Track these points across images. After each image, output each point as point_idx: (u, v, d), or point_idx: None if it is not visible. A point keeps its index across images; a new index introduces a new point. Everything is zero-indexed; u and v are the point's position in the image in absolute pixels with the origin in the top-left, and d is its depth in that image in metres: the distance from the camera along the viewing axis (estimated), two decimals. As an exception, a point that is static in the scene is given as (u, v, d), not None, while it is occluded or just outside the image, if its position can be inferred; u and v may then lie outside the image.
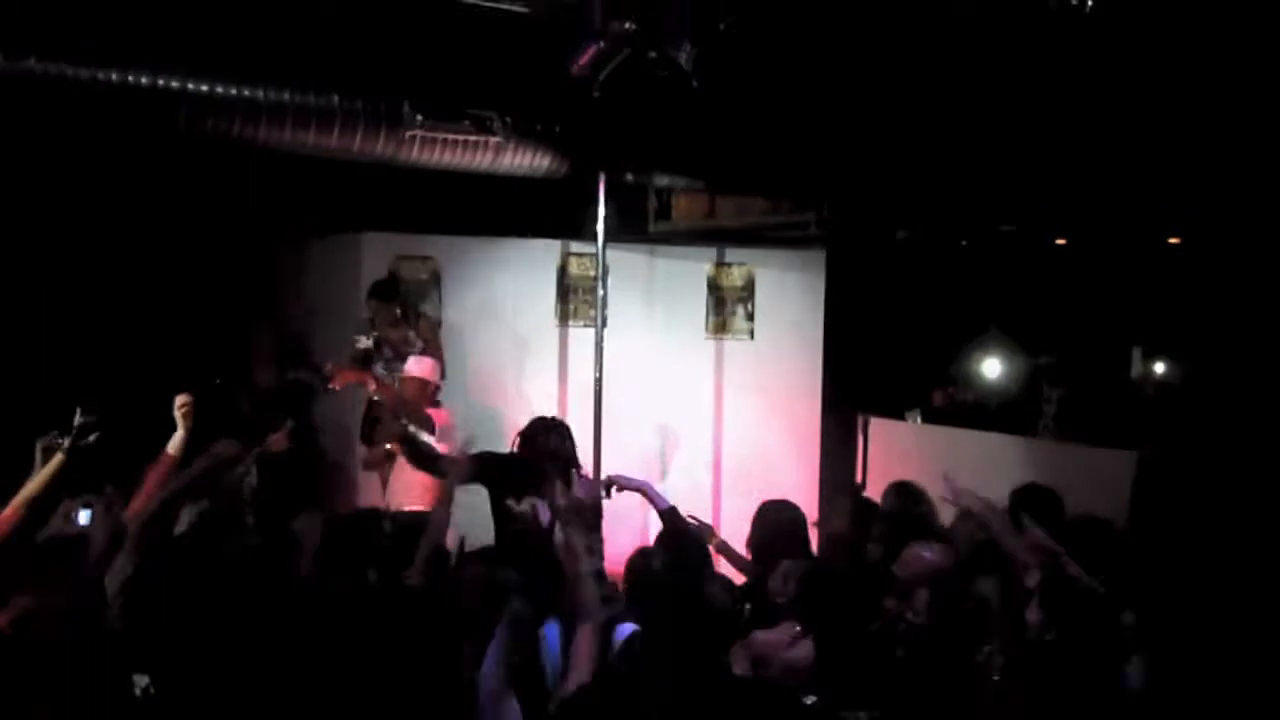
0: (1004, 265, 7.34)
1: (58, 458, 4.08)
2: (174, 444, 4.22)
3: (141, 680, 2.94)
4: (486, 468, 4.86)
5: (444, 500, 4.37)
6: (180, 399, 4.30)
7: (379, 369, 6.41)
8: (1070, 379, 8.01)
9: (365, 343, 6.46)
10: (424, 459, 5.42)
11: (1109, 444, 5.98)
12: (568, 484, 4.11)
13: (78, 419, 4.15)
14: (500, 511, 4.81)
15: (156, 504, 3.72)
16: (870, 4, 4.72)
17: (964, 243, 7.25)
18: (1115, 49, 4.64)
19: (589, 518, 3.94)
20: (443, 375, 6.35)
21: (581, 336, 7.03)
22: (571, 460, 4.96)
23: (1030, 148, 5.39)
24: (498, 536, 4.75)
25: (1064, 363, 7.99)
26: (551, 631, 3.53)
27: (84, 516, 3.31)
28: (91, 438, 4.14)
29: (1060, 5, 4.02)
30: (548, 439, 4.96)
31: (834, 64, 5.12)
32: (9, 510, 3.92)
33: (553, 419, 5.30)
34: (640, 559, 3.89)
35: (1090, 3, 4.04)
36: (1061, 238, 6.94)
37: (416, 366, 6.08)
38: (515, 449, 5.05)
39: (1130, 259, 7.39)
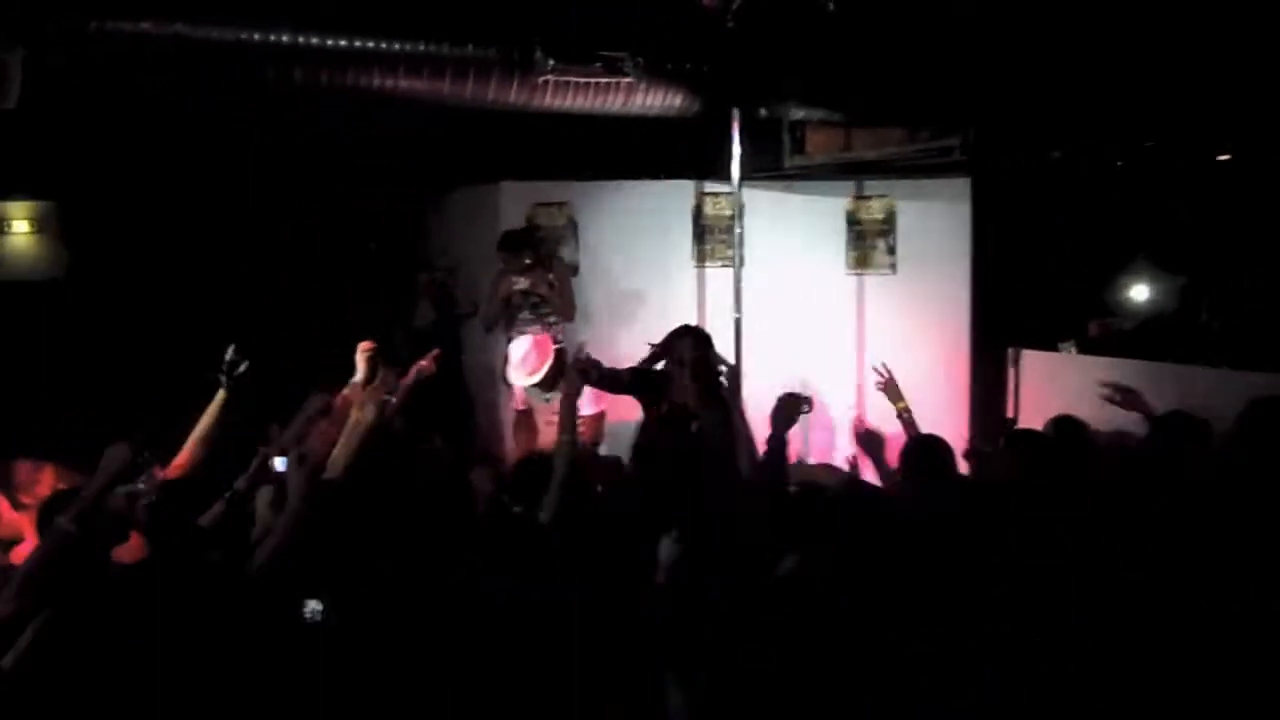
0: (1163, 185, 6.95)
1: (220, 394, 4.28)
2: (354, 387, 4.36)
3: (313, 604, 3.05)
4: (637, 384, 4.89)
5: (565, 428, 4.03)
6: (363, 345, 4.45)
7: (524, 315, 6.50)
8: (1233, 303, 7.58)
9: (522, 283, 6.51)
10: (604, 381, 5.14)
11: (1270, 369, 5.65)
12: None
13: (229, 355, 4.34)
14: (652, 427, 4.80)
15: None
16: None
17: (1119, 163, 6.87)
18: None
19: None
20: (571, 317, 6.46)
21: (719, 277, 6.98)
22: (708, 364, 4.87)
23: (1189, 54, 5.06)
24: (638, 451, 4.70)
25: (1227, 286, 7.56)
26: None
27: (280, 463, 3.46)
28: (241, 369, 4.31)
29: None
30: (683, 345, 4.92)
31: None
32: (185, 449, 4.14)
33: (686, 326, 5.21)
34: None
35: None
36: (1225, 153, 6.51)
37: (524, 363, 5.97)
38: (650, 355, 5.02)
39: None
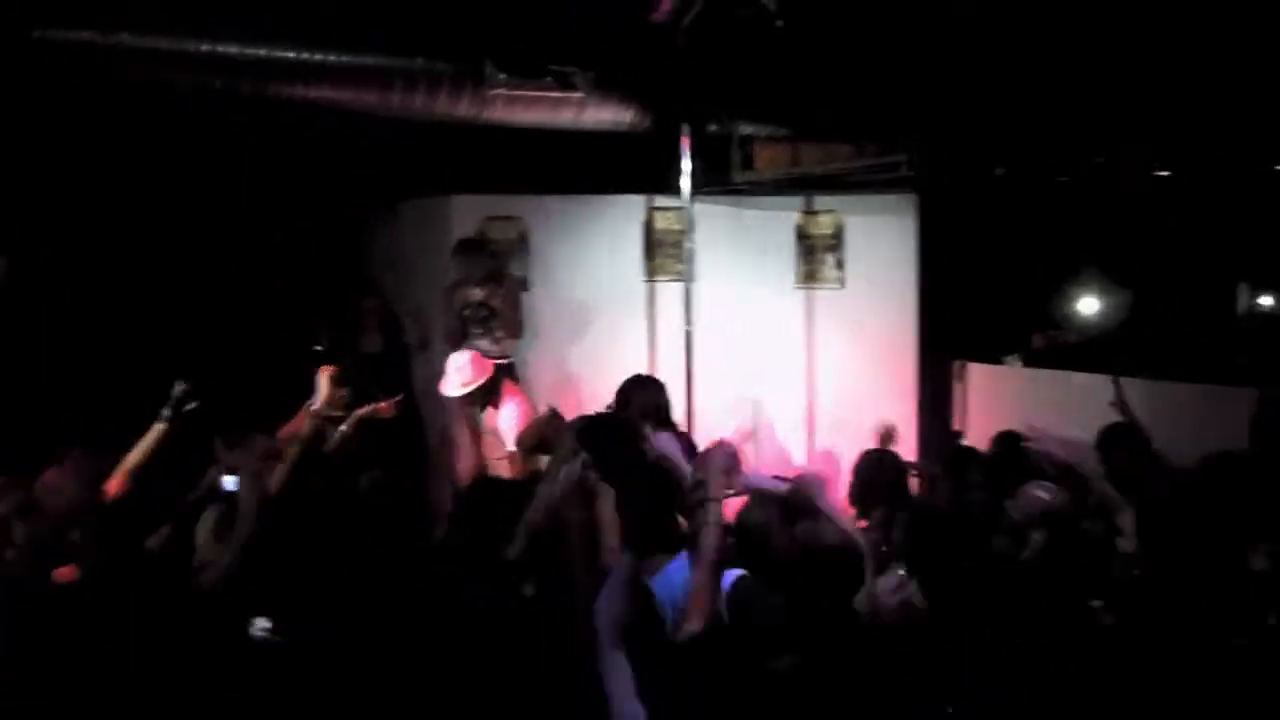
0: (1104, 201, 7.10)
1: (158, 427, 4.21)
2: (315, 406, 4.33)
3: (261, 623, 3.02)
4: (583, 433, 4.86)
5: (550, 477, 4.26)
6: (325, 368, 4.42)
7: (475, 330, 6.46)
8: (1174, 317, 7.75)
9: (478, 294, 6.43)
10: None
11: (1215, 382, 5.79)
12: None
13: (176, 389, 4.28)
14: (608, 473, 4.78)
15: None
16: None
17: (1062, 179, 7.01)
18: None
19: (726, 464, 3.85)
20: (519, 334, 6.41)
21: (670, 290, 7.00)
22: (666, 414, 4.93)
23: (1131, 74, 5.19)
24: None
25: (1167, 300, 7.74)
26: (678, 571, 3.50)
27: (230, 482, 3.41)
28: (190, 406, 4.26)
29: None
30: (642, 395, 4.93)
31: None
32: (116, 478, 4.06)
33: (645, 375, 5.26)
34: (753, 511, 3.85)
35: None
36: (1164, 170, 6.67)
37: (459, 373, 5.73)
38: (611, 408, 5.02)
39: (1235, 190, 7.09)
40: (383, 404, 4.95)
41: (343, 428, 4.63)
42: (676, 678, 3.05)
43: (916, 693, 3.08)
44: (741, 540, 3.78)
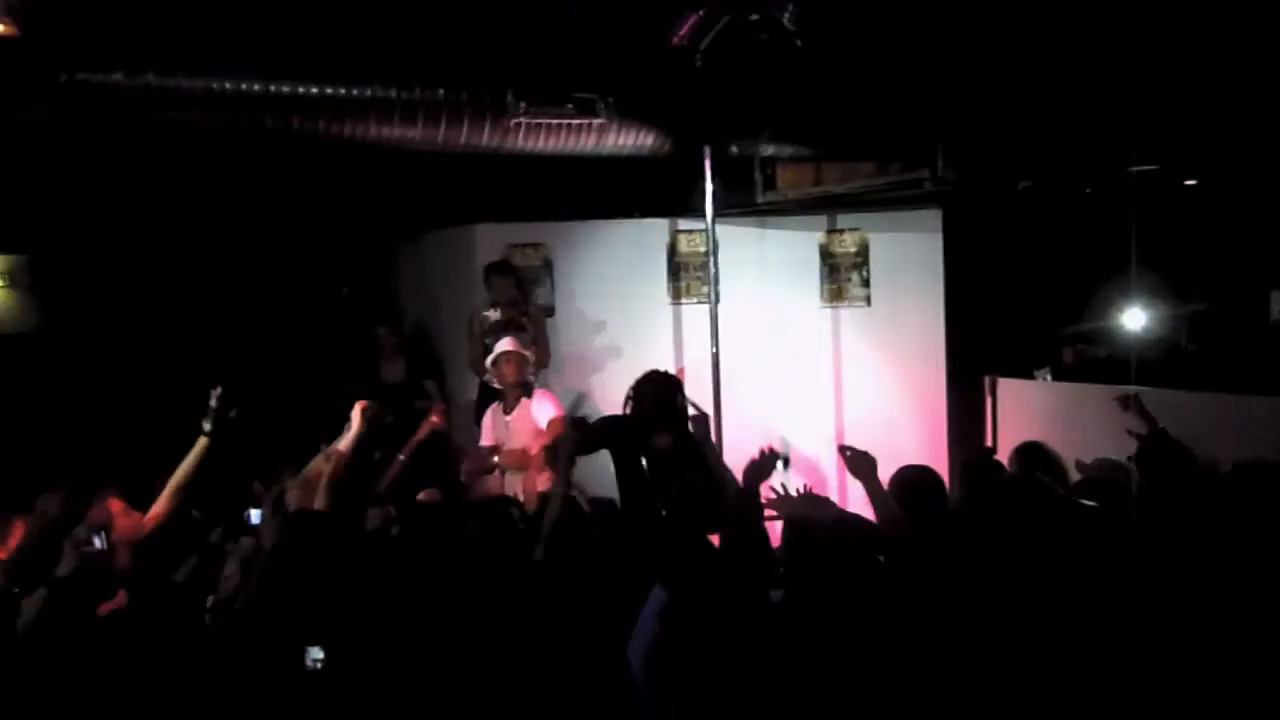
0: (1132, 211, 7.04)
1: (202, 441, 4.23)
2: (346, 441, 4.32)
3: (315, 653, 3.00)
4: (605, 432, 4.85)
5: (561, 480, 4.29)
6: (362, 403, 4.41)
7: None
8: (1206, 326, 7.66)
9: (494, 315, 6.52)
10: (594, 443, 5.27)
11: (1249, 391, 5.71)
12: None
13: (213, 401, 4.29)
14: (625, 475, 4.76)
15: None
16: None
17: (1088, 189, 6.96)
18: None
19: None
20: (546, 361, 6.41)
21: (695, 313, 6.99)
22: (683, 411, 4.87)
23: (1155, 81, 5.14)
24: (623, 500, 4.69)
25: (1199, 310, 7.65)
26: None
27: (254, 516, 3.40)
28: (231, 415, 4.27)
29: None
30: (656, 391, 4.90)
31: (940, 8, 4.96)
32: (163, 497, 4.09)
33: (659, 371, 5.21)
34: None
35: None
36: (1192, 178, 6.61)
37: (506, 343, 6.06)
38: (627, 408, 4.99)
39: (1264, 197, 7.02)
40: (434, 418, 4.93)
41: (401, 457, 4.64)
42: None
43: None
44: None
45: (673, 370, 6.89)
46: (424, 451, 4.85)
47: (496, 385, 6.52)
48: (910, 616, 3.09)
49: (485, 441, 6.17)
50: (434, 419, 4.86)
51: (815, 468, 7.14)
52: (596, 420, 4.96)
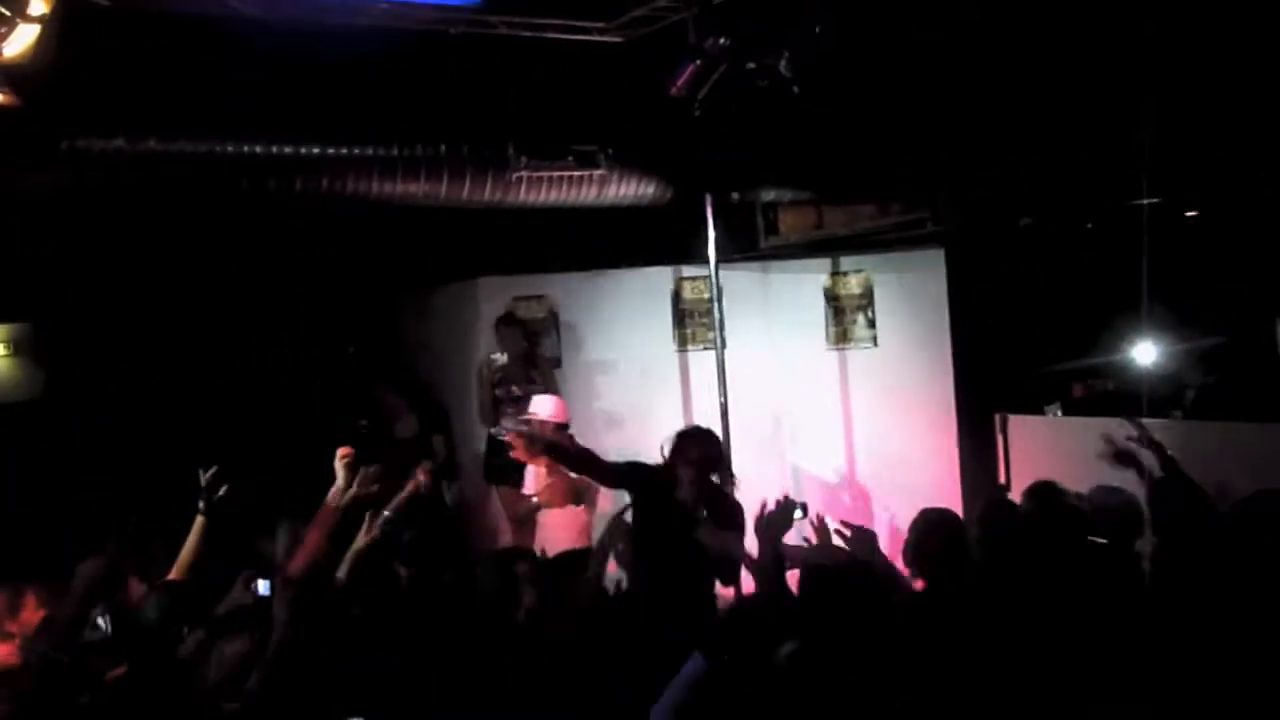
0: (1134, 244, 7.05)
1: (200, 520, 4.19)
2: (334, 495, 4.28)
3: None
4: (634, 477, 4.83)
5: (596, 567, 4.10)
6: (342, 451, 4.36)
7: (506, 409, 6.48)
8: (1212, 357, 7.63)
9: (500, 358, 6.51)
10: (579, 460, 5.16)
11: (1259, 419, 5.67)
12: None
13: (203, 479, 4.26)
14: (644, 522, 4.72)
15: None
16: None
17: (1089, 224, 6.97)
18: (1234, 10, 4.43)
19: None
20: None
21: (702, 360, 6.97)
22: (721, 465, 4.86)
23: (1154, 115, 5.16)
24: (637, 547, 4.64)
25: (1205, 342, 7.62)
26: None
27: (263, 586, 3.35)
28: (221, 492, 4.23)
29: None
30: (695, 446, 4.87)
31: (935, 49, 5.00)
32: (173, 573, 4.05)
33: (699, 427, 5.20)
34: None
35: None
36: (1193, 210, 6.62)
37: (544, 407, 6.04)
38: (663, 458, 4.96)
39: (1265, 228, 7.02)
40: (421, 476, 4.85)
41: (386, 512, 4.57)
42: None
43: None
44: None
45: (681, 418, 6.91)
46: (419, 510, 4.78)
47: (508, 439, 6.49)
48: (927, 669, 3.03)
49: (528, 489, 6.18)
50: (420, 477, 4.79)
51: (828, 511, 7.08)
52: (627, 462, 4.92)
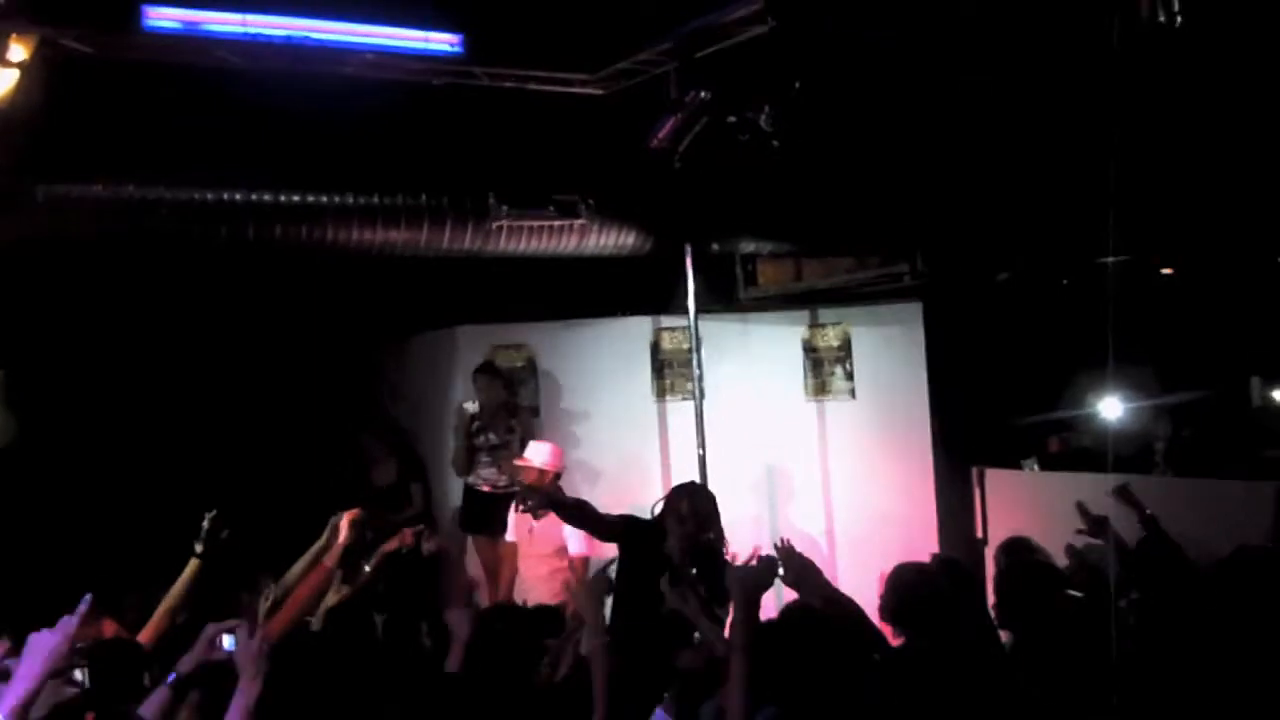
0: (1110, 300, 7.11)
1: (193, 563, 4.13)
2: (333, 555, 4.22)
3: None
4: (626, 531, 4.81)
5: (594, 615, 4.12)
6: (350, 512, 4.31)
7: (483, 458, 6.46)
8: (1188, 413, 7.69)
9: (471, 407, 6.48)
10: (574, 513, 5.14)
11: (1234, 476, 5.72)
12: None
13: (205, 523, 4.21)
14: (629, 577, 4.67)
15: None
16: (948, 46, 4.65)
17: (1065, 280, 7.03)
18: (1209, 67, 4.51)
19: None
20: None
21: (681, 410, 6.96)
22: (712, 522, 4.84)
23: (1131, 173, 5.23)
24: (617, 602, 4.59)
25: (1181, 398, 7.68)
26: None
27: (228, 641, 3.27)
28: (223, 535, 4.18)
29: (1149, 24, 3.91)
30: (689, 504, 4.85)
31: (914, 107, 5.06)
32: (156, 618, 3.98)
33: (693, 483, 5.20)
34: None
35: (1179, 19, 3.91)
36: (1168, 266, 6.70)
37: (539, 455, 6.02)
38: (656, 515, 4.93)
39: (1240, 284, 7.11)
40: (407, 535, 4.83)
41: (366, 567, 4.53)
42: None
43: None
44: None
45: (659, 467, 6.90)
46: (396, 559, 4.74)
47: (484, 489, 6.49)
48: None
49: (510, 537, 6.18)
50: (406, 539, 4.76)
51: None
52: (620, 516, 4.90)
